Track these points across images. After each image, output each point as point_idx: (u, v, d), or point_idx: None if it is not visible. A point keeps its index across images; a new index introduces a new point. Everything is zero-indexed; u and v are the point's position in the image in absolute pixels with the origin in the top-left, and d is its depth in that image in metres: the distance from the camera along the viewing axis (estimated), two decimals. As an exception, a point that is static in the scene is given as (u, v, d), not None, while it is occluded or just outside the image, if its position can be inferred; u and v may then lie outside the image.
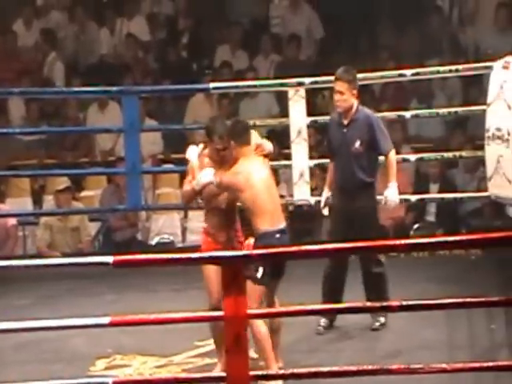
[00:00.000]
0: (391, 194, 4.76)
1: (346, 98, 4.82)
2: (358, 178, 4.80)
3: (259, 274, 4.16)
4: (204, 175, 4.28)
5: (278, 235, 4.23)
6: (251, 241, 4.30)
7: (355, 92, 4.85)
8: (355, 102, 4.88)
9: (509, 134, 5.26)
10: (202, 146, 4.44)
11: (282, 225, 4.29)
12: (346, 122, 4.86)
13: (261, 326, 4.08)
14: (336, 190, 4.89)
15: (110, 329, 3.39)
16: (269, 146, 4.44)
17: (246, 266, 4.11)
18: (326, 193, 4.98)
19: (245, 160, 4.27)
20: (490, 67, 5.54)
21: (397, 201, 4.81)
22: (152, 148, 7.51)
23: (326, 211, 4.98)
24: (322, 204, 4.98)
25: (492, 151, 5.38)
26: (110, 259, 3.22)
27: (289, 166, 6.15)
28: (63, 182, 6.80)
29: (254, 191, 4.23)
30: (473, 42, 7.93)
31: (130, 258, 3.27)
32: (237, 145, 4.27)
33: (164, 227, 7.29)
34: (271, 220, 4.25)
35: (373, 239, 4.42)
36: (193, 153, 4.40)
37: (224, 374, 3.24)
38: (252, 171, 4.25)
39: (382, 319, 4.82)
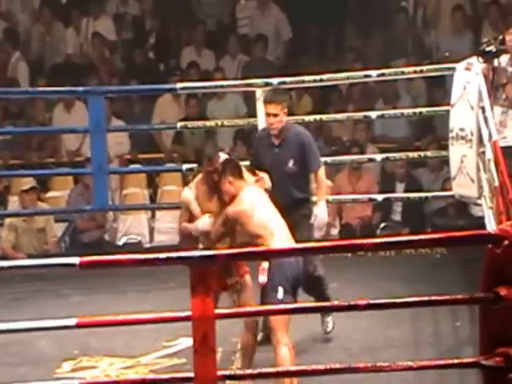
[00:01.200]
0: (320, 212, 4.80)
1: (279, 119, 4.77)
2: (292, 195, 4.78)
3: (280, 295, 4.10)
4: (202, 223, 4.27)
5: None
6: (265, 264, 4.17)
7: (286, 111, 4.81)
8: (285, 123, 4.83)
9: (472, 135, 5.34)
10: (195, 180, 4.43)
11: (294, 243, 4.19)
12: (277, 142, 4.82)
13: (285, 351, 4.02)
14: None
15: (77, 330, 3.37)
16: (268, 180, 4.50)
17: (266, 296, 4.13)
18: None
19: (243, 190, 4.25)
20: (453, 68, 5.62)
21: (326, 219, 4.84)
22: (119, 148, 7.48)
23: None
24: None
25: (456, 151, 5.45)
26: (76, 260, 3.18)
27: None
28: (28, 183, 6.75)
29: (262, 213, 4.19)
30: (436, 43, 8.02)
31: (97, 259, 3.25)
32: (234, 179, 4.24)
33: (131, 227, 7.27)
34: (284, 239, 4.18)
35: None
36: (189, 194, 4.37)
37: (192, 375, 3.24)
38: (254, 195, 4.24)
39: (331, 325, 4.84)
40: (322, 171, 4.86)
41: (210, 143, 4.32)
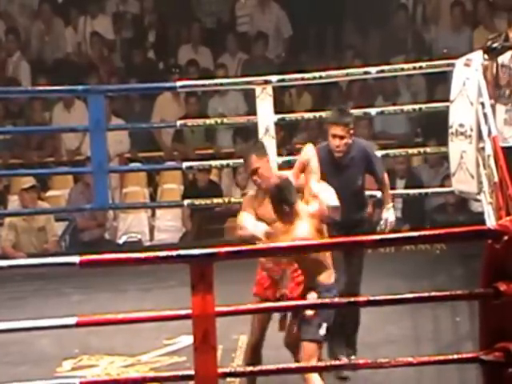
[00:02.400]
0: (390, 216, 4.64)
1: (345, 141, 4.53)
2: (358, 216, 4.55)
3: (323, 331, 3.96)
4: (255, 228, 4.05)
5: (335, 291, 4.01)
6: (313, 295, 4.01)
7: (353, 131, 4.59)
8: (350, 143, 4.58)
9: (471, 130, 5.34)
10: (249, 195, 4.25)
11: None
12: (343, 162, 4.56)
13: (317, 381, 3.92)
14: (332, 227, 4.40)
15: (77, 329, 3.37)
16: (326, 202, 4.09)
17: (307, 329, 3.94)
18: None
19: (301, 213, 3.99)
20: (452, 64, 5.61)
21: (394, 222, 4.68)
22: (119, 147, 7.48)
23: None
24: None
25: (455, 147, 5.44)
26: (76, 259, 3.18)
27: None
28: (28, 182, 6.74)
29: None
30: (435, 40, 8.01)
31: (97, 258, 3.24)
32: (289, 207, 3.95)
33: (131, 226, 7.27)
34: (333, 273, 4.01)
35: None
36: (250, 220, 4.13)
37: (192, 372, 3.24)
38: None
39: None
40: (385, 175, 4.69)
41: (255, 145, 4.19)
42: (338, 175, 4.53)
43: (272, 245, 3.30)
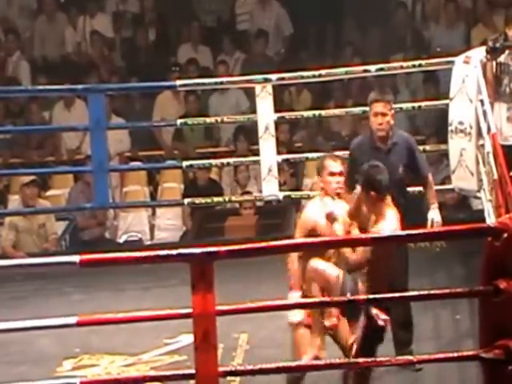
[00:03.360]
0: (436, 216, 4.57)
1: (388, 119, 4.47)
2: (401, 206, 4.27)
3: None
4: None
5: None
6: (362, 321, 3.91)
7: (393, 112, 4.55)
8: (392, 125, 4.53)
9: (471, 128, 5.33)
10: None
11: None
12: (385, 146, 4.49)
13: None
14: None
15: (78, 328, 3.36)
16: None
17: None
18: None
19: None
20: (451, 62, 5.61)
21: (440, 221, 4.59)
22: (119, 146, 7.46)
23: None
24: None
25: (455, 145, 5.43)
26: (76, 258, 3.16)
27: (257, 162, 6.15)
28: (28, 178, 6.72)
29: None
30: (435, 37, 8.00)
31: (97, 258, 3.23)
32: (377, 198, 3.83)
33: (132, 225, 7.26)
34: None
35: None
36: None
37: (193, 371, 3.23)
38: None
39: None
40: (431, 175, 4.62)
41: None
42: (379, 159, 4.30)
43: (275, 243, 3.28)
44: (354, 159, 4.57)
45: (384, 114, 4.49)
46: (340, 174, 4.18)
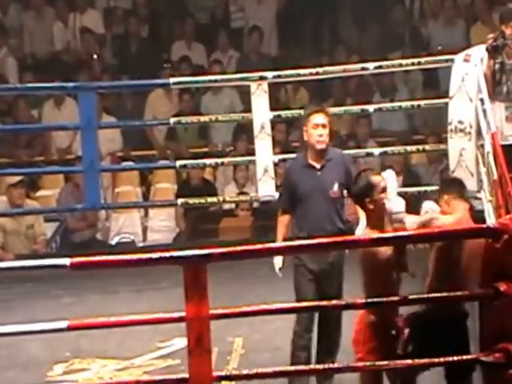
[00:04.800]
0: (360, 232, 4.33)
1: (327, 131, 4.29)
2: (336, 224, 4.27)
3: None
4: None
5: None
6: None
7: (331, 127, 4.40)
8: None
9: (471, 127, 5.29)
10: None
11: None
12: (318, 164, 4.32)
13: None
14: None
15: (68, 332, 3.29)
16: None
17: None
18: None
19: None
20: (451, 60, 5.55)
21: None
22: (110, 145, 7.38)
23: (280, 274, 4.35)
24: (279, 265, 4.31)
25: (455, 144, 5.38)
26: (66, 261, 3.14)
27: (253, 162, 6.09)
28: (16, 178, 6.62)
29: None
30: (433, 35, 7.95)
31: (87, 260, 3.19)
32: (457, 195, 3.68)
33: (124, 226, 7.18)
34: None
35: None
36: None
37: (186, 376, 3.17)
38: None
39: None
40: None
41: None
42: (314, 178, 4.31)
43: (271, 245, 3.20)
44: (286, 181, 4.44)
45: (324, 126, 4.31)
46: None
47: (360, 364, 3.66)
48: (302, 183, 4.32)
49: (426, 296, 3.45)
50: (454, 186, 3.72)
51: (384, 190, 3.79)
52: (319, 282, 4.30)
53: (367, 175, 3.84)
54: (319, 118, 4.31)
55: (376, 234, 3.63)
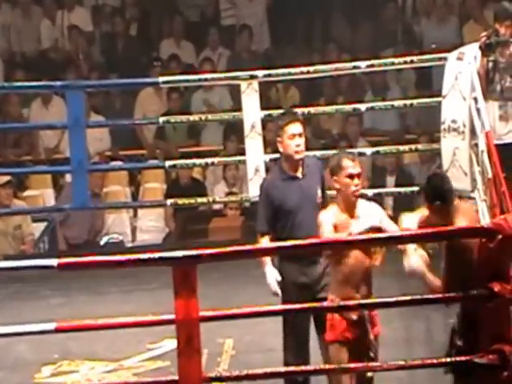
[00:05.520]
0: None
1: (304, 140, 4.14)
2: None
3: None
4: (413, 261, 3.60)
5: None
6: None
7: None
8: None
9: (464, 126, 5.25)
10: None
11: None
12: (300, 173, 4.18)
13: None
14: (290, 257, 4.09)
15: (57, 334, 3.24)
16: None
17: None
18: (272, 269, 4.12)
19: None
20: (444, 58, 5.51)
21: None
22: (99, 145, 7.32)
23: (279, 290, 4.15)
24: (275, 285, 4.13)
25: (448, 144, 5.34)
26: (54, 262, 3.10)
27: (243, 162, 6.04)
28: (4, 179, 6.56)
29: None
30: (425, 32, 7.92)
31: (75, 261, 3.16)
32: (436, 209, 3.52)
33: (113, 226, 7.12)
34: None
35: None
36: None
37: (176, 378, 3.13)
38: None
39: None
40: None
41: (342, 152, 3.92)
42: (298, 188, 4.16)
43: (261, 246, 3.16)
44: (267, 199, 4.23)
45: (301, 135, 4.15)
46: (358, 175, 3.92)
47: (352, 365, 3.62)
48: (288, 197, 4.16)
49: (421, 297, 3.40)
50: (437, 197, 3.56)
51: (352, 176, 3.77)
52: (311, 290, 4.15)
53: (341, 157, 3.85)
54: (295, 128, 4.15)
55: (372, 235, 3.58)
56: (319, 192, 4.22)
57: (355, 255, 3.75)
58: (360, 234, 3.75)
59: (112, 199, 7.21)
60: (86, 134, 6.11)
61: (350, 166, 3.83)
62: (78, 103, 6.03)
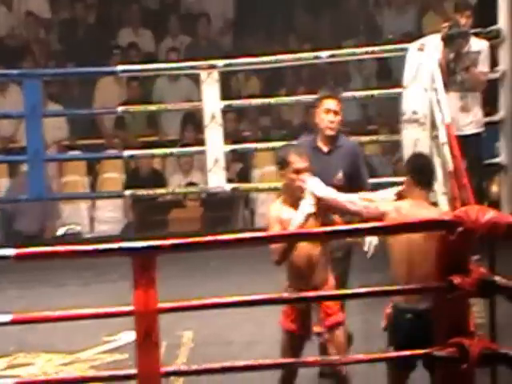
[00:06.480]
0: (374, 239, 4.16)
1: (339, 119, 4.24)
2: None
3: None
4: (305, 205, 3.63)
5: (409, 315, 3.52)
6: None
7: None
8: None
9: (425, 117, 5.26)
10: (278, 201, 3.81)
11: (422, 305, 3.46)
12: (326, 148, 4.27)
13: None
14: None
15: (12, 325, 3.17)
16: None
17: None
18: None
19: (412, 201, 3.54)
20: (405, 49, 5.51)
21: (377, 244, 4.17)
22: (56, 134, 7.20)
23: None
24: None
25: (409, 135, 5.35)
26: (11, 252, 3.02)
27: (203, 152, 5.99)
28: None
29: (393, 241, 3.48)
30: (387, 23, 7.93)
31: (33, 251, 3.10)
32: (413, 183, 3.55)
33: (70, 217, 7.02)
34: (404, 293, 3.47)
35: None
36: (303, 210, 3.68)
37: (134, 371, 3.08)
38: (411, 216, 3.43)
39: None
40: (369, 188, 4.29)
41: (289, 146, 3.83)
42: (320, 161, 4.18)
43: (221, 237, 3.12)
44: None
45: (336, 113, 4.27)
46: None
47: (311, 359, 3.61)
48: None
49: (381, 289, 3.39)
50: (421, 174, 3.60)
51: (298, 171, 3.75)
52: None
53: (288, 151, 3.82)
54: (331, 104, 4.26)
55: (325, 228, 3.56)
56: (340, 174, 4.24)
57: (301, 246, 3.72)
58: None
59: (70, 189, 7.12)
60: (42, 123, 6.01)
61: (297, 160, 3.79)
62: (35, 92, 5.94)
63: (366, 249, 4.19)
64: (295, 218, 3.71)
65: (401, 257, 3.52)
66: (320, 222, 3.76)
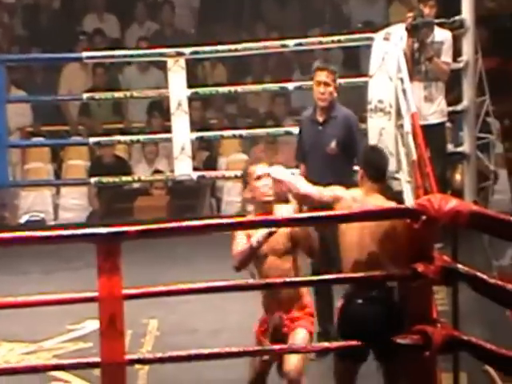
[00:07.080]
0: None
1: (330, 90, 4.37)
2: (328, 181, 3.93)
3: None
4: (285, 210, 3.58)
5: (360, 301, 3.49)
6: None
7: (337, 85, 4.44)
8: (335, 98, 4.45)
9: (391, 107, 5.28)
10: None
11: (372, 292, 3.47)
12: (321, 118, 4.42)
13: None
14: None
15: (-28, 314, 3.12)
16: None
17: None
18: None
19: (367, 194, 3.56)
20: (371, 38, 5.53)
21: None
22: (20, 120, 7.10)
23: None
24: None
25: (374, 124, 5.37)
26: None
27: (169, 140, 5.95)
28: None
29: (345, 228, 3.47)
30: (352, 12, 7.94)
31: None
32: (365, 176, 3.58)
33: (34, 205, 6.93)
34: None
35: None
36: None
37: (98, 359, 3.05)
38: (363, 206, 3.47)
39: None
40: None
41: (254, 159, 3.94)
42: (314, 131, 4.39)
43: (187, 223, 3.10)
44: (300, 131, 4.59)
45: (327, 84, 4.39)
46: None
47: (247, 349, 3.59)
48: (306, 135, 4.48)
49: (337, 277, 3.40)
50: (373, 168, 3.64)
51: (259, 178, 3.68)
52: None
53: (246, 166, 3.79)
54: (321, 76, 4.39)
55: (290, 216, 3.55)
56: (333, 144, 4.37)
57: (270, 261, 3.68)
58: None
59: (33, 176, 7.03)
60: (6, 109, 5.95)
61: (255, 169, 3.71)
62: (-1, 77, 5.87)
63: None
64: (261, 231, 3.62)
65: (351, 240, 3.52)
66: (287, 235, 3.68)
